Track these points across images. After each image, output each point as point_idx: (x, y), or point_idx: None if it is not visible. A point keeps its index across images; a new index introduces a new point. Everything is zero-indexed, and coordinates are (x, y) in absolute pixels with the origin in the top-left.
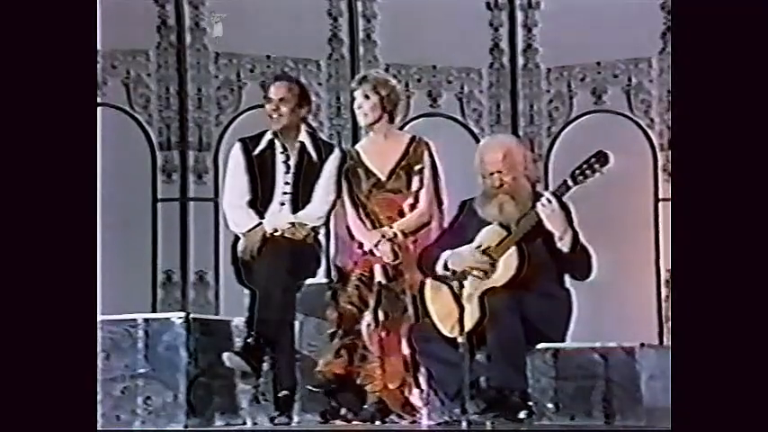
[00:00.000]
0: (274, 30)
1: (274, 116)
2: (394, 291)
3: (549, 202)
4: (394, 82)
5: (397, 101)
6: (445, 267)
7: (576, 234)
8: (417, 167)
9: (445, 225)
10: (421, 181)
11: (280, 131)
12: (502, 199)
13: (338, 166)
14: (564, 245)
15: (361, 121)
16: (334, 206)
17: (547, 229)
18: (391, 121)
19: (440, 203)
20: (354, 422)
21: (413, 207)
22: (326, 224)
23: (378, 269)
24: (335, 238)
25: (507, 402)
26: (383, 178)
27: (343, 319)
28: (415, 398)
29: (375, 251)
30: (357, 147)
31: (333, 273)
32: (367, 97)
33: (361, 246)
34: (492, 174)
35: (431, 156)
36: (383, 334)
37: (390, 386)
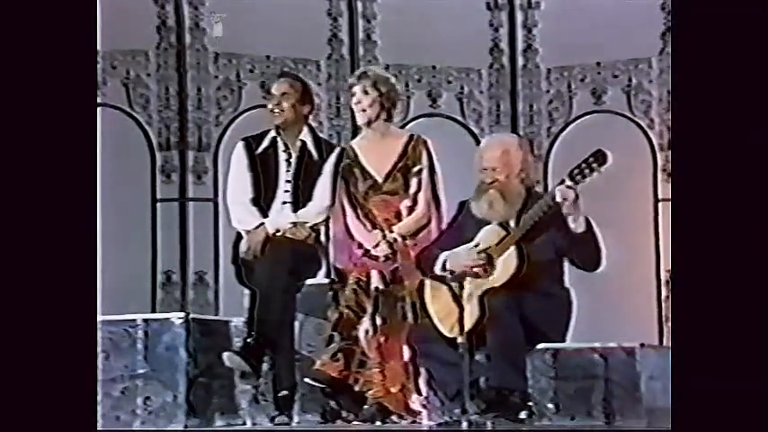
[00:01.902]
0: (274, 30)
1: (276, 111)
2: (392, 296)
3: (570, 188)
4: (393, 80)
5: (396, 99)
6: (443, 267)
7: (587, 218)
8: (415, 169)
9: (443, 225)
10: (419, 183)
11: (282, 130)
12: (492, 196)
13: (336, 164)
14: (579, 226)
15: (359, 119)
16: (333, 204)
17: (555, 222)
18: (389, 119)
19: (437, 204)
20: (354, 422)
21: (410, 209)
22: (327, 222)
23: (375, 275)
24: (333, 239)
25: (507, 402)
26: (380, 180)
27: (341, 324)
28: (415, 403)
29: (373, 252)
30: (354, 144)
31: (332, 273)
32: (366, 93)
33: (360, 246)
34: (486, 169)
35: (429, 155)
36: (382, 339)
37: (392, 390)
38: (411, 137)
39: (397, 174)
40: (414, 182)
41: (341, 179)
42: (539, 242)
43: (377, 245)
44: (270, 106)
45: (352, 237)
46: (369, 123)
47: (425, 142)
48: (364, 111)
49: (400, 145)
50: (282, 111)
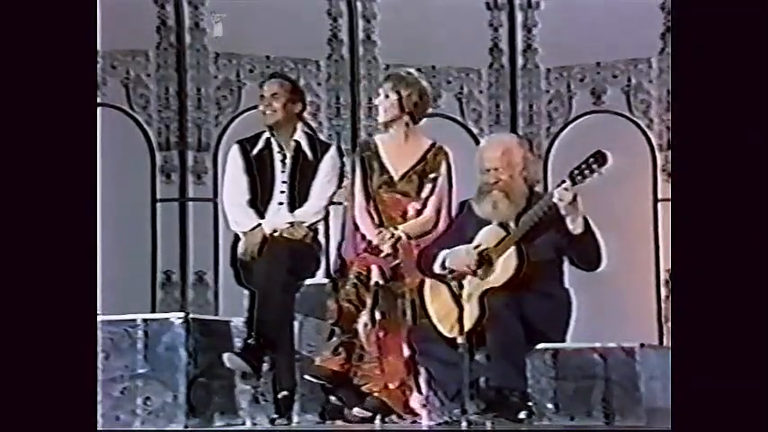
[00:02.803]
0: (274, 30)
1: (267, 112)
2: (392, 292)
3: (567, 190)
4: (423, 83)
5: (419, 102)
6: (442, 266)
7: (585, 218)
8: (432, 175)
9: None
10: (432, 189)
11: (276, 130)
12: (496, 196)
13: (337, 163)
14: (577, 227)
15: (379, 118)
16: (330, 204)
17: (554, 223)
18: (413, 121)
19: (449, 215)
20: (356, 410)
21: (419, 213)
22: (326, 219)
23: (375, 270)
24: (342, 229)
25: (507, 402)
26: (396, 178)
27: (342, 317)
28: (414, 402)
29: (375, 243)
30: (376, 138)
31: (334, 264)
32: (387, 96)
33: (364, 238)
34: (488, 170)
35: (448, 166)
36: (381, 334)
37: (391, 386)
38: (433, 144)
39: (413, 176)
40: (427, 187)
41: (360, 168)
42: (538, 242)
43: (381, 238)
44: (261, 107)
45: (358, 228)
46: (388, 124)
47: (447, 153)
48: (383, 111)
49: (421, 150)
50: (274, 111)
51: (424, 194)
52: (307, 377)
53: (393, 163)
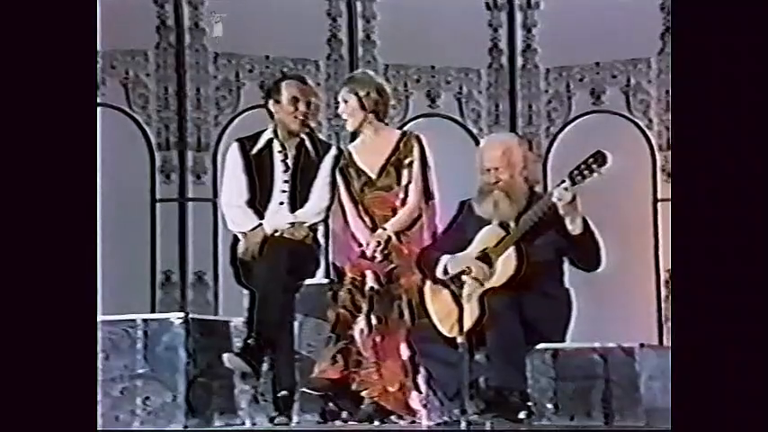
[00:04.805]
0: (274, 30)
1: (304, 119)
2: (388, 295)
3: (566, 190)
4: (378, 80)
5: (379, 99)
6: (445, 272)
7: (584, 218)
8: (407, 161)
9: (436, 220)
10: (410, 175)
11: (281, 131)
12: (497, 196)
13: (335, 163)
14: (576, 227)
15: (347, 126)
16: (332, 203)
17: (553, 223)
18: (379, 119)
19: (428, 197)
20: (350, 422)
21: (404, 201)
22: (326, 222)
23: (369, 275)
24: (333, 237)
25: (507, 402)
26: (374, 176)
27: (337, 324)
28: (414, 401)
29: (365, 250)
30: (350, 147)
31: (332, 272)
32: (345, 101)
33: (360, 244)
34: (489, 170)
35: (421, 148)
36: (378, 339)
37: (390, 389)
38: (404, 133)
39: (389, 168)
40: (405, 173)
41: (341, 178)
42: (538, 242)
43: (372, 249)
44: (294, 111)
45: (353, 235)
46: (357, 128)
47: (418, 137)
48: (347, 118)
49: (393, 142)
50: (307, 118)
51: (403, 182)
52: (305, 390)
53: (368, 163)
